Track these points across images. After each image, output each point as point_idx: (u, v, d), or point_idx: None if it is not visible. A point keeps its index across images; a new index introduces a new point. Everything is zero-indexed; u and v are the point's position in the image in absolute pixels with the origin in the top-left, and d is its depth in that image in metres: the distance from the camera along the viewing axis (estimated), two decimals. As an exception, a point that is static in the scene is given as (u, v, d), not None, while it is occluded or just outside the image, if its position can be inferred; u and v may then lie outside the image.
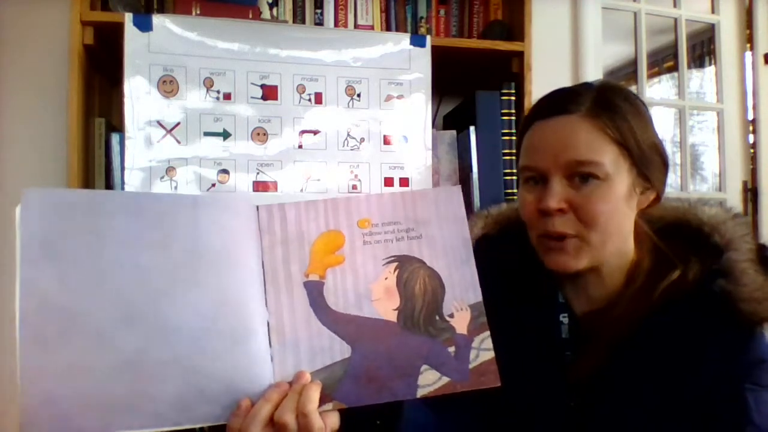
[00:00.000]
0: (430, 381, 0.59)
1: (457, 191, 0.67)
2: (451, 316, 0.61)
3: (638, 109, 0.73)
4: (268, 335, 0.57)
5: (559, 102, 0.73)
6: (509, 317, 0.72)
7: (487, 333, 0.61)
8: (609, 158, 0.69)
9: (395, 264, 0.61)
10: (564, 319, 0.76)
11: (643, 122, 0.72)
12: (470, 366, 0.60)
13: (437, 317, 0.61)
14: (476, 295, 0.63)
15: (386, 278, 0.61)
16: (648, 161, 0.72)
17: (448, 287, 0.62)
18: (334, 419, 0.58)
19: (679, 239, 0.75)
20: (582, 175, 0.69)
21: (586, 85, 0.75)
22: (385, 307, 0.60)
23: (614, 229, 0.71)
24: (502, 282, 0.76)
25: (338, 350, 0.58)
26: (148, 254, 0.52)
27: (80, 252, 0.51)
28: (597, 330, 0.72)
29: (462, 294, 0.62)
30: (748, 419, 0.66)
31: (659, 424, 0.67)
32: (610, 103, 0.71)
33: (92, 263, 0.51)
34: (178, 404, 0.52)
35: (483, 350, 0.61)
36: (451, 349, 0.60)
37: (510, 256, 0.78)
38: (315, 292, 0.59)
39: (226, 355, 0.54)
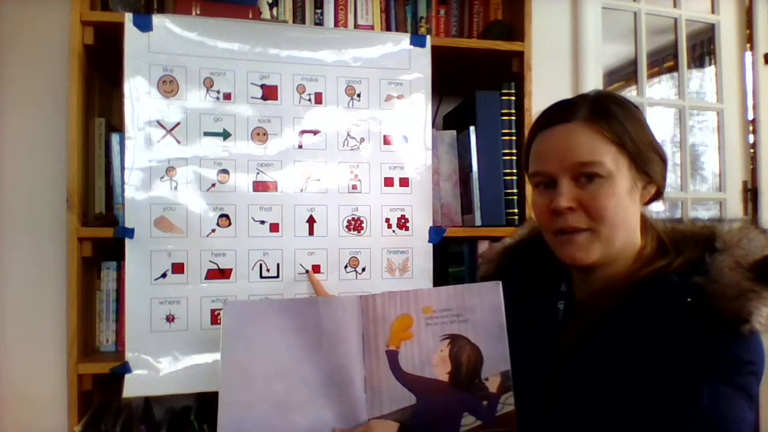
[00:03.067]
0: (468, 423, 0.83)
1: (497, 286, 0.86)
2: (487, 379, 0.83)
3: (632, 112, 0.81)
4: (365, 385, 0.82)
5: (559, 112, 0.82)
6: (523, 307, 0.90)
7: (511, 392, 0.83)
8: (609, 158, 0.77)
9: (448, 340, 0.84)
10: (560, 305, 0.87)
11: (637, 124, 0.80)
12: (496, 414, 0.83)
13: (477, 380, 0.83)
14: (506, 365, 0.84)
15: (442, 350, 0.84)
16: (645, 158, 0.79)
17: (485, 359, 0.84)
18: None
19: (693, 245, 0.78)
20: (587, 174, 0.77)
21: (583, 96, 0.84)
22: (441, 370, 0.83)
23: (620, 222, 0.78)
24: (521, 279, 0.92)
25: (407, 399, 0.83)
26: (293, 336, 0.83)
27: (257, 337, 0.83)
28: (581, 312, 0.81)
29: (496, 364, 0.84)
30: (696, 406, 0.68)
31: (619, 398, 0.72)
32: (605, 108, 0.79)
33: (263, 342, 0.83)
34: (309, 427, 0.82)
35: (507, 405, 0.83)
36: (485, 402, 0.83)
37: (527, 258, 0.90)
38: (393, 359, 0.83)
39: (339, 397, 0.82)
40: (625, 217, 0.78)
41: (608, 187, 0.76)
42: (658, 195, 0.82)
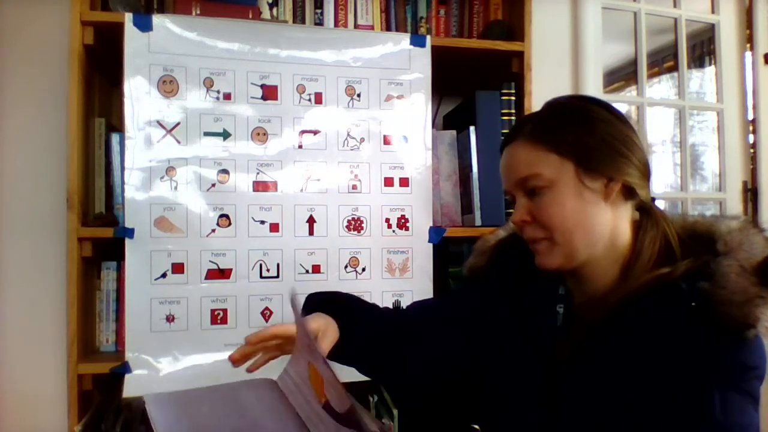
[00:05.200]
0: None
1: None
2: None
3: (580, 115, 0.82)
4: None
5: (509, 134, 0.86)
6: (518, 306, 0.89)
7: None
8: (548, 167, 0.79)
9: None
10: (560, 309, 0.86)
11: (584, 125, 0.80)
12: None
13: None
14: None
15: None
16: (593, 157, 0.78)
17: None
18: None
19: (695, 246, 0.78)
20: (529, 188, 0.80)
21: (532, 114, 0.87)
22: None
23: (573, 226, 0.78)
24: (515, 275, 0.91)
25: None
26: (225, 424, 0.80)
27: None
28: (584, 317, 0.80)
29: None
30: (709, 416, 0.68)
31: (625, 405, 0.72)
32: (547, 119, 0.83)
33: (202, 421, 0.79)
34: None
35: None
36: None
37: (520, 252, 0.88)
38: (331, 410, 0.81)
39: None
40: (581, 220, 0.78)
41: (553, 195, 0.78)
42: (631, 191, 0.79)
